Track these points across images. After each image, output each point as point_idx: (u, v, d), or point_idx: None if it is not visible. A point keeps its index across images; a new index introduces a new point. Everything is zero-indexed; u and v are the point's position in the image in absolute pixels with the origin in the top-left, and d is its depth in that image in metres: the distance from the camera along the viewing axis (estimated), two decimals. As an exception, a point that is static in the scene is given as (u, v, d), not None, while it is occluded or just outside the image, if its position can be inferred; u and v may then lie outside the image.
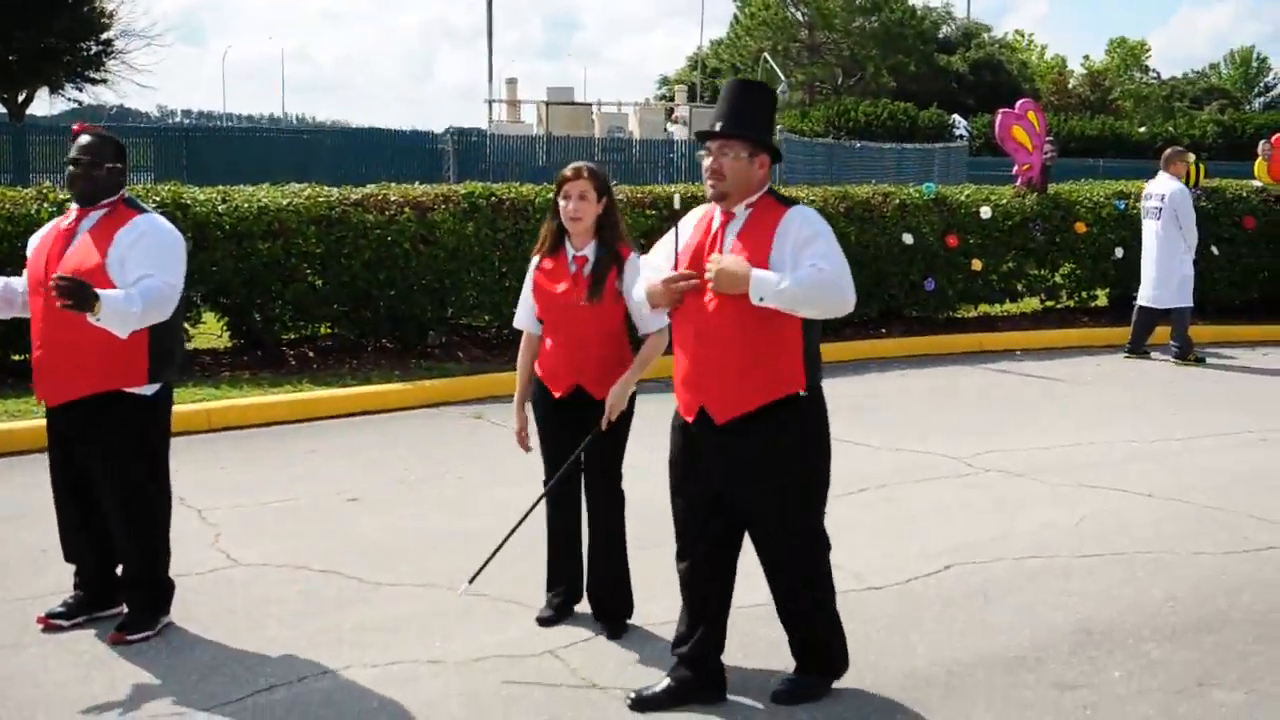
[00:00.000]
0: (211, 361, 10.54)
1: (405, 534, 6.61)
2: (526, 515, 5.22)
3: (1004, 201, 13.78)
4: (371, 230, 10.55)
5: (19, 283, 5.26)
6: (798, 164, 29.20)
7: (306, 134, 42.99)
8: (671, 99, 56.86)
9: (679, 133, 38.70)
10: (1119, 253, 13.97)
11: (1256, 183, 15.27)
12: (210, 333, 11.03)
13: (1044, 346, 13.29)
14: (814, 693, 4.66)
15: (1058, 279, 14.38)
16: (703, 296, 4.37)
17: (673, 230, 4.58)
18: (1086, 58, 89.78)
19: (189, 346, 10.51)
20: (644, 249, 9.85)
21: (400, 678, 4.81)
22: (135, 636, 5.08)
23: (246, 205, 10.29)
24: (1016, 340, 13.35)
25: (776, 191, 4.52)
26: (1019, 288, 14.18)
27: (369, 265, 10.56)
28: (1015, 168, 14.46)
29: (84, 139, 5.08)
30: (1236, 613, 5.59)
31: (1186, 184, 13.21)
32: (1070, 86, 73.05)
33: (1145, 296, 12.74)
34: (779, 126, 34.20)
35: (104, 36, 43.03)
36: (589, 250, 5.16)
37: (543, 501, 5.36)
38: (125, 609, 5.21)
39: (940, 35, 70.76)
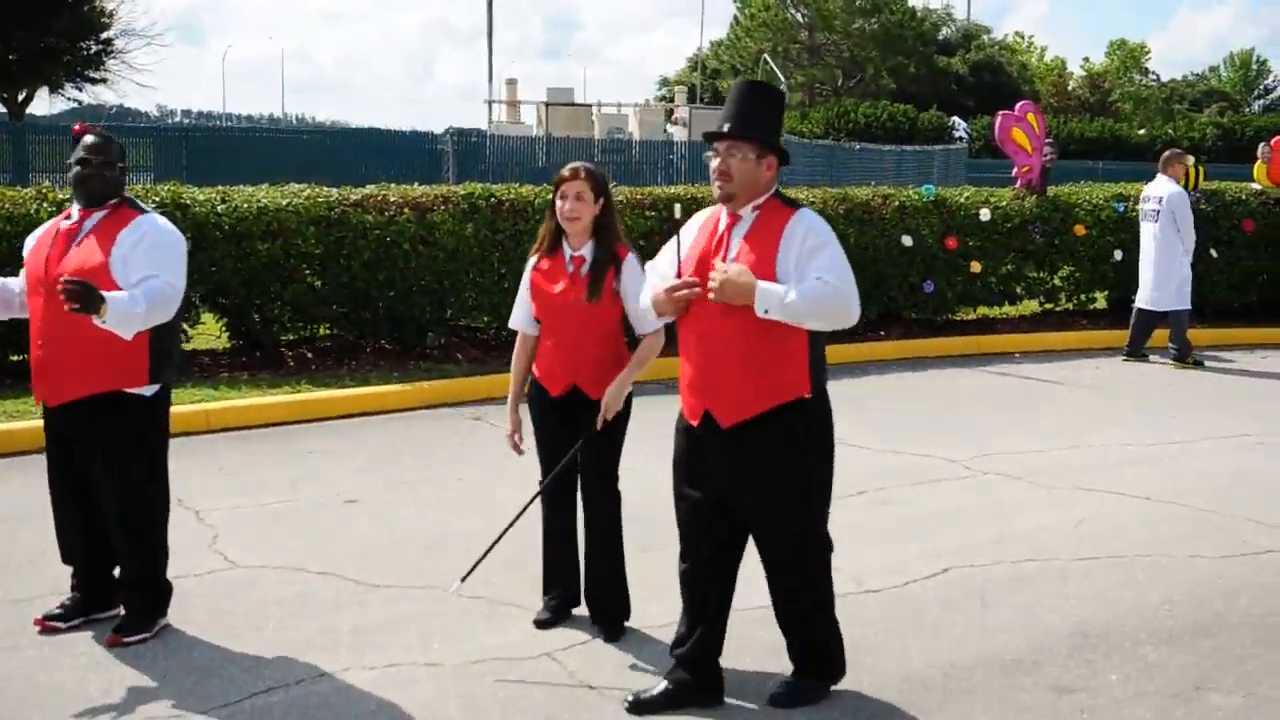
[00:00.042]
0: (210, 362, 10.54)
1: (404, 536, 6.61)
2: (520, 514, 5.23)
3: (1003, 204, 13.78)
4: (371, 231, 10.55)
5: (15, 283, 5.26)
6: (797, 166, 29.19)
7: (306, 134, 42.99)
8: (671, 100, 56.84)
9: (679, 134, 38.71)
10: (1118, 255, 13.98)
11: (1256, 185, 15.28)
12: (209, 333, 11.02)
13: (1043, 349, 13.29)
14: (812, 696, 4.66)
15: (1057, 281, 14.39)
16: (708, 301, 4.37)
17: (675, 237, 4.57)
18: (1086, 60, 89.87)
19: (188, 347, 10.51)
20: (642, 250, 9.83)
21: (398, 680, 4.81)
22: (133, 638, 5.08)
23: (246, 205, 10.29)
24: (1015, 343, 13.35)
25: (783, 194, 4.52)
26: (1018, 290, 14.19)
27: (368, 266, 10.56)
28: (1015, 170, 14.46)
29: (92, 139, 5.08)
30: (1234, 616, 5.59)
31: (1185, 186, 13.22)
32: (1070, 88, 73.10)
33: (1143, 299, 12.75)
34: (779, 128, 34.02)
35: (104, 36, 43.07)
36: (586, 250, 5.17)
37: (539, 504, 5.37)
38: (123, 611, 5.21)
39: (940, 37, 70.79)
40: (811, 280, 4.23)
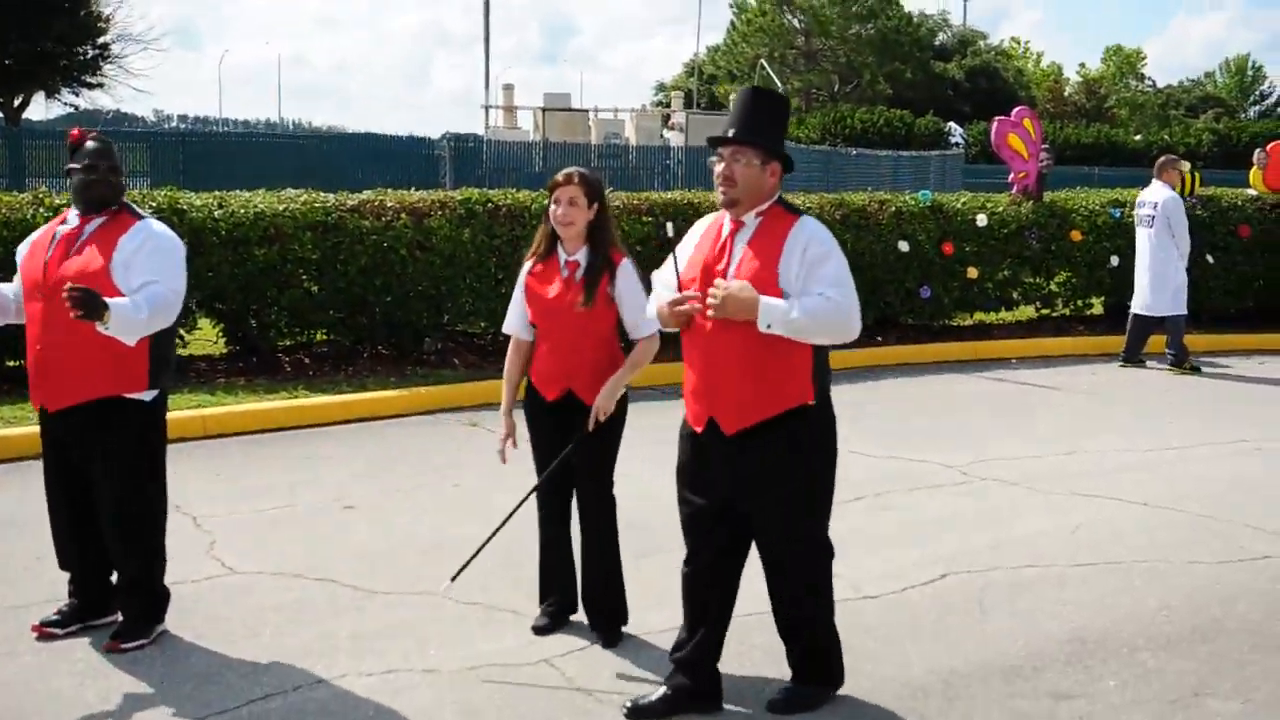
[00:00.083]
0: (207, 368, 10.53)
1: (401, 541, 6.60)
2: (510, 515, 5.23)
3: (1000, 209, 13.79)
4: (368, 236, 10.54)
5: (9, 288, 5.25)
6: (794, 171, 29.18)
7: (303, 139, 42.92)
8: (668, 105, 56.88)
9: (675, 139, 38.75)
10: (1114, 261, 13.99)
11: (1252, 191, 15.30)
12: (206, 339, 11.01)
13: (1039, 355, 13.29)
14: (811, 702, 4.65)
15: (1053, 287, 14.40)
16: (706, 311, 4.36)
17: (672, 253, 4.56)
18: (1082, 65, 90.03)
19: (184, 353, 10.51)
20: (639, 255, 9.80)
21: (395, 686, 4.80)
22: (130, 645, 5.07)
23: (243, 211, 10.28)
24: (1012, 348, 13.36)
25: (786, 201, 4.52)
26: (1014, 296, 14.20)
27: (365, 271, 10.56)
28: (1011, 175, 14.47)
29: (94, 145, 5.08)
30: (1231, 622, 5.60)
31: (1181, 192, 13.23)
32: (1066, 94, 73.24)
33: (1140, 304, 12.76)
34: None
35: (100, 41, 43.11)
36: (581, 255, 5.17)
37: (535, 510, 5.37)
38: (120, 617, 5.20)
39: (936, 42, 70.94)
40: (815, 296, 4.24)
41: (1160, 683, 4.95)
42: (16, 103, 42.81)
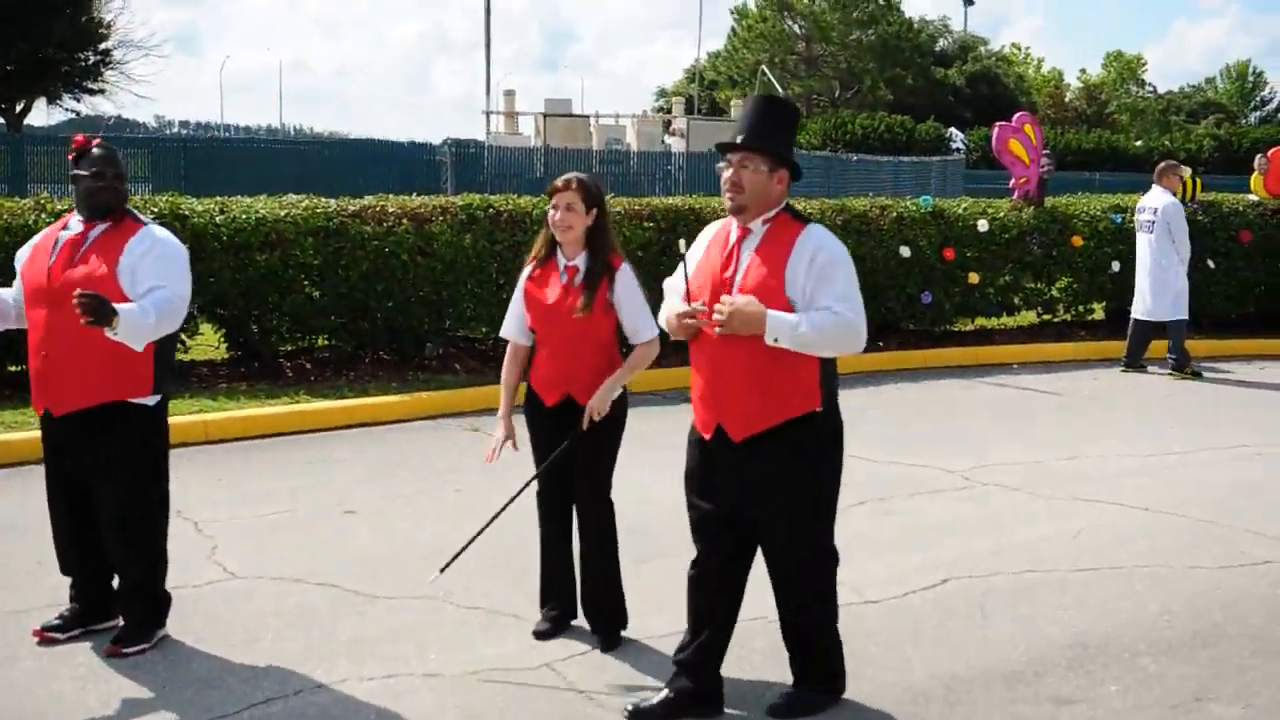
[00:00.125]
0: (209, 373, 10.53)
1: (402, 546, 6.60)
2: (501, 510, 5.23)
3: (1001, 215, 13.80)
4: (369, 242, 10.55)
5: (9, 294, 5.26)
6: (801, 179, 29.24)
7: (304, 145, 43.01)
8: (669, 111, 56.95)
9: (676, 145, 38.80)
10: (1115, 266, 14.00)
11: (1253, 197, 15.31)
12: (208, 344, 11.02)
13: (1041, 360, 13.30)
14: (813, 708, 4.65)
15: (1054, 292, 14.40)
16: (713, 317, 4.37)
17: (682, 262, 4.56)
18: (1083, 71, 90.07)
19: (186, 358, 10.52)
20: (639, 261, 9.78)
21: (397, 690, 4.80)
22: (131, 649, 5.07)
23: (244, 216, 10.29)
24: (1013, 354, 13.36)
25: (793, 208, 4.52)
26: (1016, 301, 14.19)
27: (367, 277, 10.57)
28: (1012, 181, 14.48)
29: (101, 152, 5.09)
30: (1233, 627, 5.59)
31: (1182, 198, 13.24)
32: (1067, 100, 73.29)
33: (1140, 310, 12.76)
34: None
35: (102, 47, 43.18)
36: (580, 261, 5.18)
37: (536, 516, 5.38)
38: (121, 622, 5.20)
39: (937, 48, 71.03)
40: (823, 311, 4.25)
41: (1161, 688, 4.95)
42: (18, 108, 42.85)
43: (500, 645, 5.25)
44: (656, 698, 4.62)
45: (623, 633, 5.32)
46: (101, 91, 44.66)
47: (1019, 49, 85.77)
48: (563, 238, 5.18)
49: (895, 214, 13.20)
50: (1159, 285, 12.58)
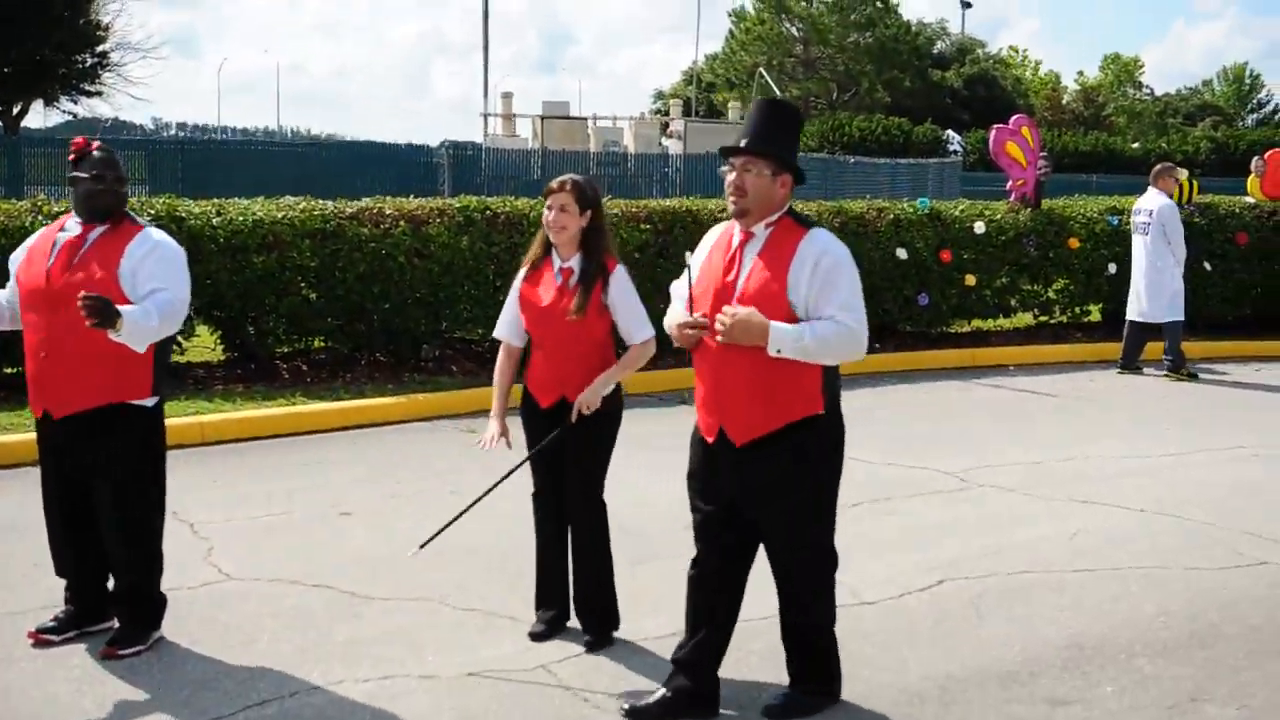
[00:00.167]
0: (205, 374, 10.52)
1: (398, 548, 6.57)
2: (487, 493, 5.24)
3: (998, 217, 13.80)
4: (366, 244, 10.55)
5: (2, 295, 5.25)
6: (805, 183, 29.28)
7: (301, 147, 43.00)
8: (666, 113, 56.98)
9: (674, 147, 38.82)
10: (1112, 268, 14.00)
11: (1249, 199, 15.32)
12: (204, 345, 11.01)
13: (1037, 362, 13.30)
14: (809, 709, 4.65)
15: (1051, 294, 14.41)
16: (716, 322, 4.37)
17: (686, 268, 4.56)
18: (1080, 74, 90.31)
19: (183, 359, 10.52)
20: (635, 263, 9.79)
21: (392, 692, 4.80)
22: (126, 651, 5.06)
23: (241, 218, 10.28)
24: (1010, 355, 13.37)
25: (796, 212, 4.52)
26: (1012, 303, 14.20)
27: (363, 279, 10.56)
28: (1009, 183, 14.49)
29: (101, 155, 5.09)
30: (1229, 628, 5.60)
31: (1179, 200, 13.25)
32: (1064, 102, 73.33)
33: (1136, 312, 12.77)
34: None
35: (99, 49, 43.18)
36: (574, 262, 5.19)
37: (532, 518, 5.38)
38: (116, 623, 5.20)
39: (935, 51, 71.11)
40: (826, 321, 4.26)
41: (1158, 689, 4.95)
42: (15, 110, 42.86)
43: (496, 647, 5.24)
44: (654, 697, 4.63)
45: (614, 633, 5.31)
46: (99, 94, 44.69)
47: (1016, 51, 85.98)
48: (556, 239, 5.18)
49: (892, 216, 13.20)
50: (1155, 287, 12.59)
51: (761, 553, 4.65)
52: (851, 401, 4.60)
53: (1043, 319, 14.56)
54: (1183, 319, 12.66)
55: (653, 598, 5.70)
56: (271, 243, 10.28)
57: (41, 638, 5.18)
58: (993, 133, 14.63)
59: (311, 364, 11.01)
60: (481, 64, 48.83)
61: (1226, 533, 7.05)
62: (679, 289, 4.66)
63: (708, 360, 4.46)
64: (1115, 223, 14.12)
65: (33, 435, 5.38)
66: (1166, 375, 12.50)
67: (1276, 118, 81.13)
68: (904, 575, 6.21)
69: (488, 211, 11.15)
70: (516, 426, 5.33)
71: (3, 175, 28.50)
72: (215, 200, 10.83)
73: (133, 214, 5.22)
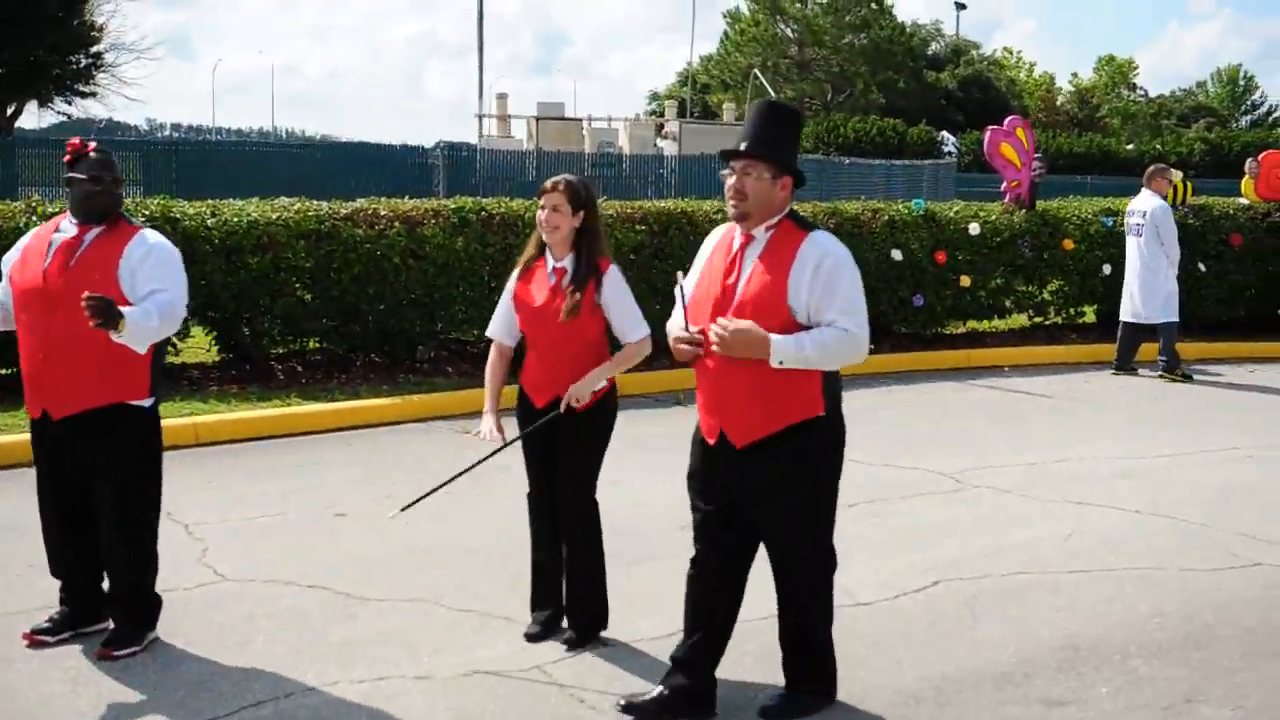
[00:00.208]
0: (199, 375, 10.51)
1: (393, 548, 6.59)
2: (478, 464, 5.25)
3: (992, 218, 13.81)
4: (361, 245, 10.54)
5: None
6: (805, 185, 29.29)
7: (296, 148, 42.97)
8: (661, 115, 57.01)
9: (669, 148, 38.83)
10: (1106, 269, 14.01)
11: (1243, 200, 15.35)
12: (198, 347, 11.00)
13: (1032, 363, 13.31)
14: (805, 709, 4.66)
15: (1046, 295, 14.42)
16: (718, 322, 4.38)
17: (679, 288, 4.55)
18: (1075, 75, 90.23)
19: (177, 360, 10.50)
20: (631, 264, 9.79)
21: (388, 693, 4.80)
22: (121, 652, 5.06)
23: (236, 219, 10.27)
24: (1004, 356, 13.38)
25: (797, 214, 4.52)
26: (1007, 304, 14.21)
27: (358, 280, 10.55)
28: (1004, 184, 14.50)
29: (98, 156, 5.09)
30: (1224, 629, 5.60)
31: (1173, 202, 13.27)
32: (1059, 104, 73.47)
33: (1131, 313, 12.79)
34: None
35: (93, 50, 43.11)
36: (568, 262, 5.20)
37: (528, 519, 5.38)
38: (111, 624, 5.19)
39: (929, 52, 71.19)
40: (827, 328, 4.27)
41: (1152, 690, 4.95)
42: (9, 111, 42.77)
43: (492, 647, 5.24)
44: (651, 693, 4.63)
45: (602, 633, 5.32)
46: (93, 94, 44.64)
47: (1011, 53, 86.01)
48: (549, 238, 5.20)
49: (887, 217, 13.21)
50: (1148, 288, 12.61)
51: (759, 553, 4.65)
52: (847, 402, 4.61)
53: (1038, 320, 14.57)
54: (1177, 320, 12.68)
55: (649, 599, 5.70)
56: (266, 244, 10.27)
57: (36, 638, 5.18)
58: (987, 134, 14.64)
59: (306, 365, 11.00)
60: (476, 65, 48.82)
61: (1221, 534, 7.06)
62: (677, 312, 4.67)
63: (708, 363, 4.47)
64: (1110, 224, 14.13)
65: (28, 436, 5.37)
66: (1161, 376, 12.52)
67: (1270, 119, 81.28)
68: (899, 576, 6.21)
69: (483, 212, 11.14)
70: (512, 427, 5.33)
71: (-3, 176, 28.46)
72: (210, 201, 10.81)
73: (128, 215, 5.23)
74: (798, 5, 62.73)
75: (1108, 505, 7.62)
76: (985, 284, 13.75)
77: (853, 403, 4.60)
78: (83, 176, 5.03)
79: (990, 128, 14.75)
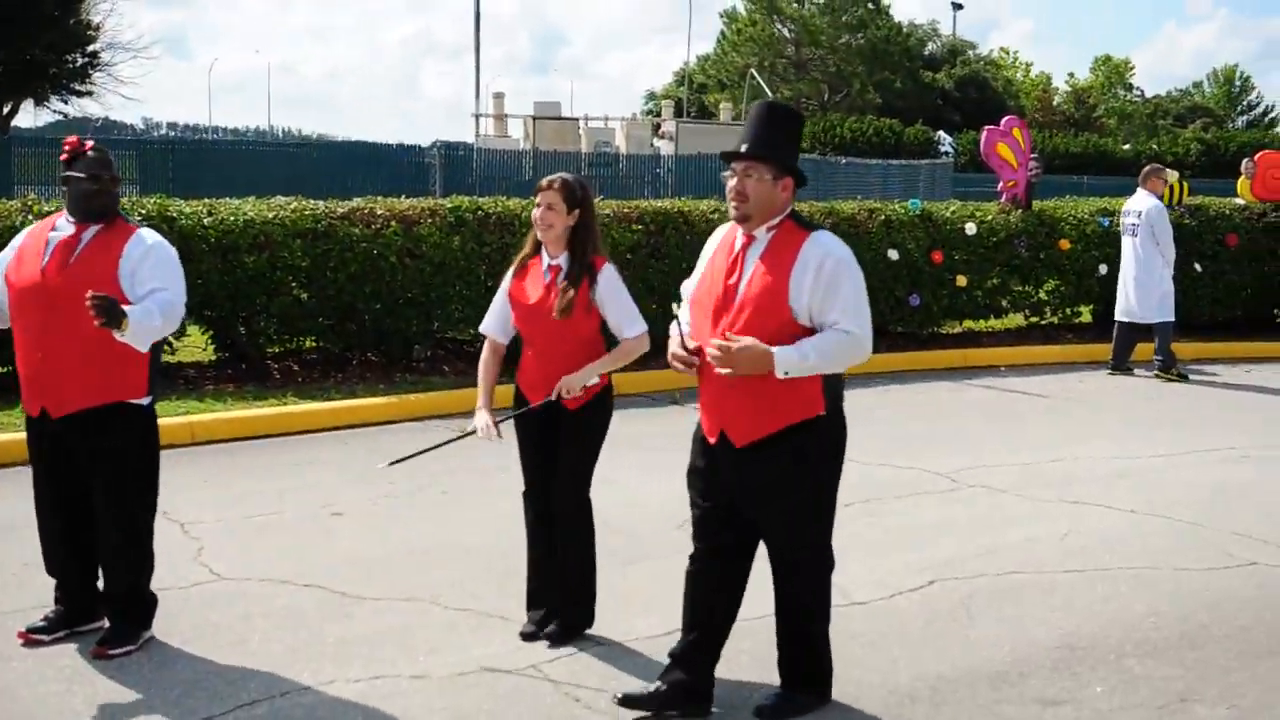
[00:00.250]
0: (196, 374, 10.50)
1: (389, 548, 6.60)
2: (465, 435, 5.31)
3: (989, 218, 13.82)
4: (357, 244, 10.54)
5: None
6: (806, 185, 29.31)
7: (293, 147, 42.94)
8: (658, 114, 57.00)
9: (665, 148, 38.83)
10: (1103, 269, 14.03)
11: (1239, 201, 15.36)
12: (195, 345, 10.99)
13: (1028, 363, 13.32)
14: (800, 709, 4.66)
15: (1042, 295, 14.43)
16: (717, 325, 4.38)
17: (675, 321, 4.56)
18: (1071, 75, 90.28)
19: (173, 359, 10.50)
20: (628, 264, 9.78)
21: (384, 692, 4.80)
22: (117, 651, 5.06)
23: (232, 218, 10.27)
24: (1001, 356, 13.39)
25: (799, 214, 4.52)
26: (1003, 304, 14.22)
27: (355, 279, 10.55)
28: (1000, 184, 14.51)
29: (95, 154, 5.09)
30: (1218, 628, 5.61)
31: (1169, 201, 13.28)
32: (1055, 104, 73.52)
33: (1126, 312, 12.80)
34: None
35: (90, 49, 43.05)
36: (562, 260, 5.20)
37: (523, 520, 5.39)
38: (107, 623, 5.19)
39: (926, 52, 71.24)
40: (829, 332, 4.29)
41: (1147, 689, 4.96)
42: (5, 110, 42.72)
43: (487, 646, 5.24)
44: (650, 687, 4.64)
45: (597, 632, 5.32)
46: (89, 93, 44.56)
47: (1008, 53, 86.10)
48: (543, 236, 5.21)
49: (884, 217, 13.22)
50: (1144, 288, 12.63)
51: (759, 552, 4.65)
52: (844, 402, 4.61)
53: (1034, 320, 14.58)
54: (1173, 320, 12.69)
55: (644, 598, 5.70)
56: (263, 243, 10.26)
57: (31, 637, 5.17)
58: (984, 134, 14.66)
59: (303, 364, 11.00)
60: (473, 65, 48.76)
61: (1216, 534, 7.07)
62: (687, 289, 4.67)
63: (709, 364, 4.47)
64: (1106, 224, 14.15)
65: (23, 435, 5.37)
66: (1157, 376, 12.53)
67: (1266, 119, 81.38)
68: (895, 576, 6.21)
69: (479, 212, 11.14)
70: (507, 424, 5.33)
71: (-7, 174, 28.43)
72: (206, 200, 10.81)
73: (124, 214, 5.23)
74: (794, 5, 62.75)
75: (1103, 505, 7.63)
76: (981, 284, 13.77)
77: (848, 402, 4.60)
78: (81, 175, 5.03)
79: (987, 128, 14.77)
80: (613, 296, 5.17)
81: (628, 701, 4.60)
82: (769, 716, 4.62)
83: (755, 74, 53.96)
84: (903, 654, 5.25)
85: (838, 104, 61.25)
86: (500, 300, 5.37)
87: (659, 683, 4.64)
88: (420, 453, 5.28)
